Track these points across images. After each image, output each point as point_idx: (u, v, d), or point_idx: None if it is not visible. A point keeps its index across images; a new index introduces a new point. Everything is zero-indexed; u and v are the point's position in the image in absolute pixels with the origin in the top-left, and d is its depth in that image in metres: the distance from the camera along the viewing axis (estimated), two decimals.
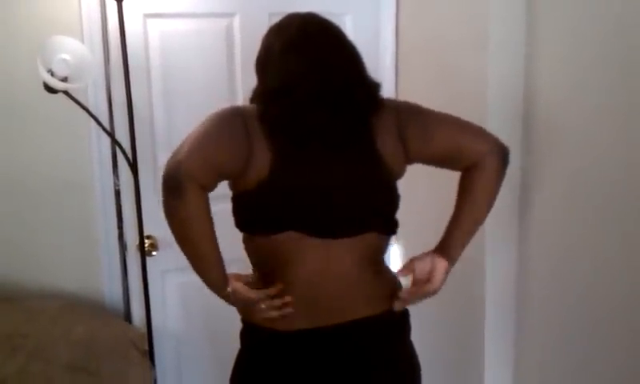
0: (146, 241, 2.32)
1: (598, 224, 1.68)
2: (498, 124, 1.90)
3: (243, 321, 1.60)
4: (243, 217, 1.51)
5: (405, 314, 1.63)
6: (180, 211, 1.39)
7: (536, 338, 1.98)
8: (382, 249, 1.59)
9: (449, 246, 1.59)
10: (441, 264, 1.56)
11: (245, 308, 1.57)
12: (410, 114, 1.55)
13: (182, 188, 1.36)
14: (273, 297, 1.50)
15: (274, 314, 1.49)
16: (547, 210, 1.88)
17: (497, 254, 2.02)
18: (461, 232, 1.59)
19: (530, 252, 1.96)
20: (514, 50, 1.90)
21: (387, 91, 2.46)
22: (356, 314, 1.52)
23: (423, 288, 1.56)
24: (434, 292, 1.58)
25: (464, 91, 2.08)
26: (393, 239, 1.63)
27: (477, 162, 1.52)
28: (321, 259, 1.49)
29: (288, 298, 1.48)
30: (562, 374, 1.88)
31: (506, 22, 1.91)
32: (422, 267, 1.57)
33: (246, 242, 1.56)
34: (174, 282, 2.49)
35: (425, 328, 1.85)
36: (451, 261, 1.58)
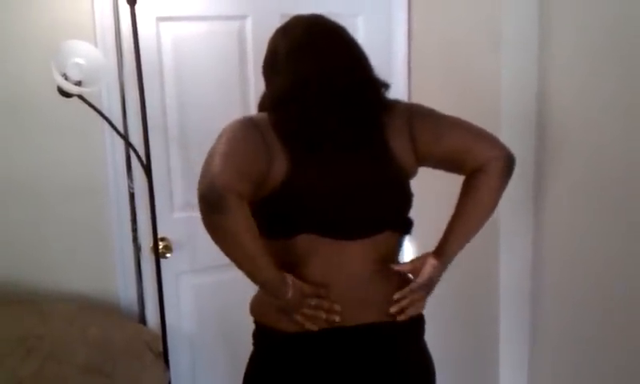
0: (160, 243, 2.32)
1: (612, 219, 1.67)
2: (511, 124, 1.90)
3: (256, 322, 1.60)
4: (259, 221, 1.51)
5: (419, 320, 1.63)
6: (226, 224, 1.33)
7: (551, 337, 1.97)
8: (396, 248, 1.59)
9: (444, 247, 1.59)
10: (430, 261, 1.58)
11: (280, 309, 1.51)
12: (421, 115, 1.56)
13: (222, 201, 1.30)
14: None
15: (321, 315, 1.47)
16: (561, 210, 1.87)
17: (511, 252, 2.02)
18: (459, 234, 1.58)
19: (544, 250, 1.96)
20: (527, 50, 1.89)
21: (400, 92, 2.47)
22: (368, 317, 1.51)
23: (413, 284, 1.56)
24: (424, 287, 1.57)
25: (477, 92, 2.07)
26: (407, 238, 1.63)
27: (482, 165, 1.51)
28: (335, 260, 1.49)
29: (337, 307, 1.47)
30: (575, 373, 1.87)
31: (518, 23, 1.90)
32: (416, 263, 1.60)
33: None
34: (188, 284, 2.50)
35: (439, 328, 1.84)
36: (445, 260, 1.58)
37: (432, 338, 1.66)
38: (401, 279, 1.60)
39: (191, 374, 2.57)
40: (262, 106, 1.56)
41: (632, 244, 1.61)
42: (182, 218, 2.39)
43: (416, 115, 1.54)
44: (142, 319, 2.42)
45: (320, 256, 1.49)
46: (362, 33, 2.40)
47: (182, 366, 2.51)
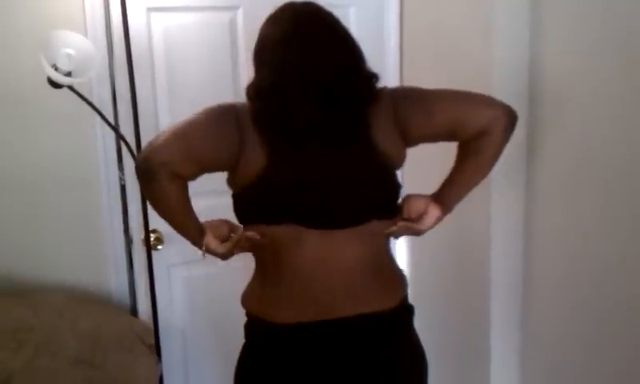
0: (152, 235, 2.32)
1: (608, 214, 1.68)
2: None
3: (247, 314, 1.60)
4: (243, 212, 1.52)
5: (409, 311, 1.63)
6: (152, 193, 1.48)
7: (542, 331, 1.98)
8: (384, 238, 1.58)
9: (446, 197, 1.59)
10: (434, 211, 1.58)
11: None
12: (406, 97, 1.53)
13: (152, 173, 1.41)
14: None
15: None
16: (553, 199, 1.88)
17: (502, 245, 2.02)
18: (461, 187, 1.59)
19: (536, 246, 1.96)
20: (519, 36, 1.90)
21: (392, 82, 2.46)
22: (358, 309, 1.50)
23: (411, 225, 1.58)
24: (420, 233, 1.61)
25: (469, 80, 2.06)
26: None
27: (484, 127, 1.48)
28: (321, 250, 1.48)
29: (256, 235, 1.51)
30: (568, 367, 1.88)
31: (510, 10, 1.90)
32: (416, 207, 1.59)
33: None
34: (179, 276, 2.50)
35: (429, 323, 1.85)
36: (446, 210, 1.60)
37: (422, 333, 1.66)
38: (392, 270, 1.61)
39: (183, 365, 2.57)
40: (248, 95, 1.52)
41: (625, 225, 1.62)
42: None
43: (400, 100, 1.51)
44: (134, 311, 2.41)
45: (304, 245, 1.48)
46: (353, 23, 2.39)
47: (173, 358, 2.51)
